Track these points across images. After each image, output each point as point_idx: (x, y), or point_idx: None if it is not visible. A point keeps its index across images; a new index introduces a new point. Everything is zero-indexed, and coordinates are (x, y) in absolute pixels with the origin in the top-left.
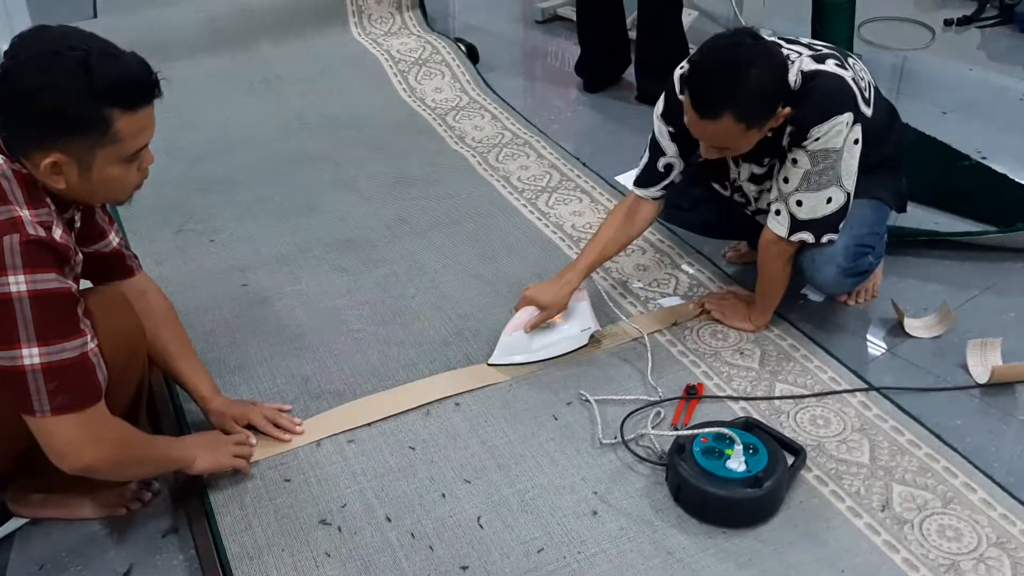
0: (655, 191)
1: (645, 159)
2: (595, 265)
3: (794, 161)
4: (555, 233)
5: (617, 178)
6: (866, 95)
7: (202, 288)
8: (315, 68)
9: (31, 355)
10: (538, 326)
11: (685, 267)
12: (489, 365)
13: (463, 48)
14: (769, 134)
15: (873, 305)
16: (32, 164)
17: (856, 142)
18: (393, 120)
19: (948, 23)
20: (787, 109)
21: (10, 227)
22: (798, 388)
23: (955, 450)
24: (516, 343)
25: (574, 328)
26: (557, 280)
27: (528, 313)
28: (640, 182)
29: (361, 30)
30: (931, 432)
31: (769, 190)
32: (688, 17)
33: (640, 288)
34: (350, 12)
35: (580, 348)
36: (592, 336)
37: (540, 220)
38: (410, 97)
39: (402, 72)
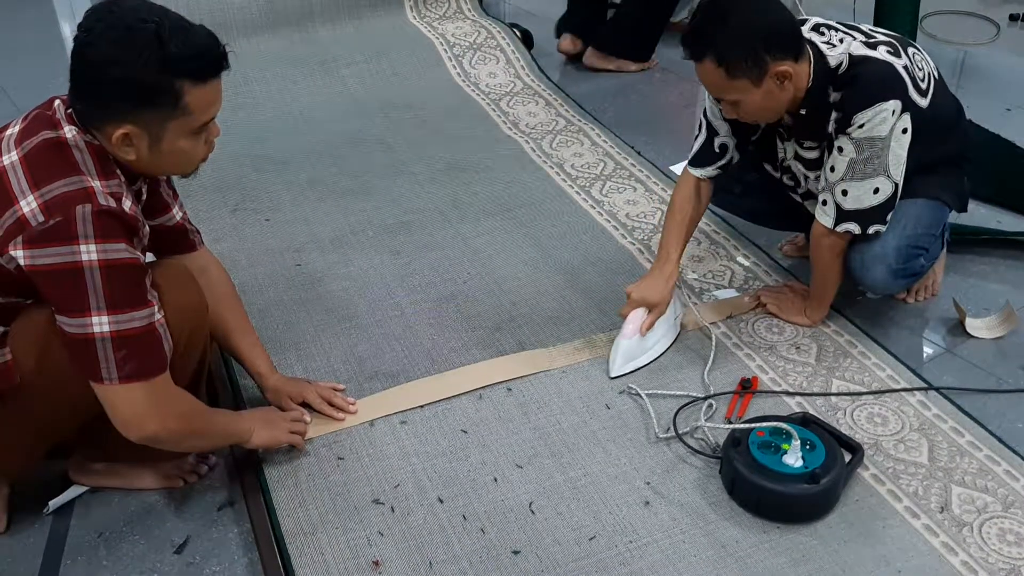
0: (712, 170)
1: (701, 140)
2: (683, 252)
3: (840, 149)
4: (608, 222)
5: (672, 167)
6: (922, 86)
7: (257, 267)
8: (371, 51)
9: (101, 323)
10: (652, 326)
11: (741, 259)
12: (612, 378)
13: (518, 33)
14: (803, 111)
15: (933, 304)
16: (104, 136)
17: (904, 131)
18: (447, 104)
19: (1013, 18)
20: (784, 67)
21: (83, 197)
22: (855, 385)
23: (1017, 453)
24: (634, 348)
25: (670, 318)
26: (657, 275)
27: (639, 315)
28: (697, 162)
29: (416, 14)
30: (992, 434)
31: (819, 176)
32: None
33: (695, 280)
34: None
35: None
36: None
37: (594, 208)
38: (464, 82)
39: (456, 56)
